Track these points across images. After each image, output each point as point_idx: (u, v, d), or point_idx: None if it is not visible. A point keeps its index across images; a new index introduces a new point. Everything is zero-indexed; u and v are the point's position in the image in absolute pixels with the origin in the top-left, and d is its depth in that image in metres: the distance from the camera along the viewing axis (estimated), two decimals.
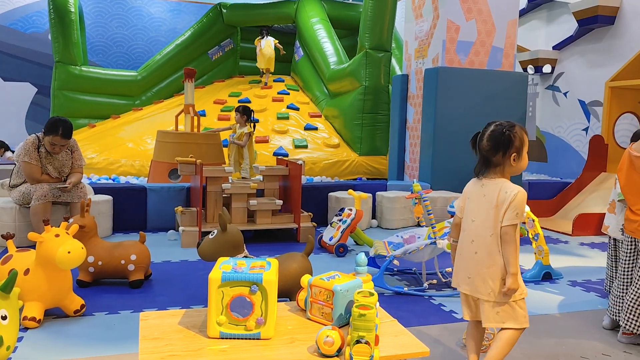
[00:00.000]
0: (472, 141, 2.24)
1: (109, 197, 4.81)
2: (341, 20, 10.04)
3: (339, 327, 1.83)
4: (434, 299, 3.26)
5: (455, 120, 5.96)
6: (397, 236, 3.79)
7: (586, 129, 7.67)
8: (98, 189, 4.96)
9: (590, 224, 5.41)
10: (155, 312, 1.99)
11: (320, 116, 8.85)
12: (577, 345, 2.60)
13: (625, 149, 6.60)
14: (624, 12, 7.11)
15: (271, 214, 4.64)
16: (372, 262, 3.68)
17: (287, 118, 8.64)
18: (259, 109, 8.67)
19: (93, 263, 3.21)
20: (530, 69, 8.39)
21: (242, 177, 5.15)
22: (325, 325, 1.83)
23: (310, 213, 4.85)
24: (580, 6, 7.38)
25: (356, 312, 1.67)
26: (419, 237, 3.71)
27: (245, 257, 2.79)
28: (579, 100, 7.81)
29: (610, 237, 3.18)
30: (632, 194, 2.70)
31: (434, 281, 3.56)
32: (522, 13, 8.58)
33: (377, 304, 2.02)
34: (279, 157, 6.30)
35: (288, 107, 8.98)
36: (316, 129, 8.42)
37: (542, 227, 5.63)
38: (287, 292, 2.72)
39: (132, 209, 5.00)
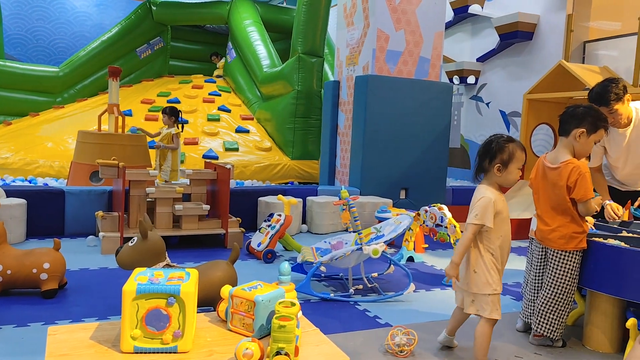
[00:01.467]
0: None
1: (22, 201, 4.52)
2: (274, 23, 10.02)
3: (260, 338, 1.82)
4: (359, 305, 3.30)
5: (384, 127, 6.10)
6: (325, 242, 3.82)
7: None
8: (11, 192, 4.66)
9: None
10: (64, 326, 1.88)
11: (252, 119, 8.77)
12: (492, 348, 2.70)
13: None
14: (541, 29, 7.55)
15: (198, 220, 4.53)
16: (300, 268, 3.68)
17: (218, 120, 8.51)
18: (189, 110, 8.48)
19: (1, 272, 3.00)
20: (456, 80, 8.72)
21: (165, 181, 4.99)
22: (247, 336, 1.81)
23: (238, 218, 4.78)
24: (501, 21, 7.77)
25: (276, 323, 1.66)
26: (346, 243, 3.75)
27: (167, 265, 2.70)
28: (500, 110, 8.20)
29: (530, 239, 3.33)
30: (543, 204, 2.85)
31: (360, 287, 3.61)
32: (449, 25, 8.91)
33: (300, 313, 2.02)
34: (208, 160, 6.18)
35: (219, 109, 8.84)
36: (248, 131, 8.34)
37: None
38: (211, 301, 2.66)
39: (48, 213, 4.73)
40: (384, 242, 3.38)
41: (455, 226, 3.94)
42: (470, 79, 8.66)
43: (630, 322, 2.50)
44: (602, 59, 7.00)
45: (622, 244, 2.70)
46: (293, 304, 1.84)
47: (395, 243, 4.99)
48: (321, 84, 7.82)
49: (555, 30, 7.31)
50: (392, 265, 3.76)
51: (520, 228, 5.72)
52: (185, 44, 11.20)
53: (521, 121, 7.00)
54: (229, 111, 8.82)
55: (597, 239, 2.78)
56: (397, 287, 3.68)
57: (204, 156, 7.37)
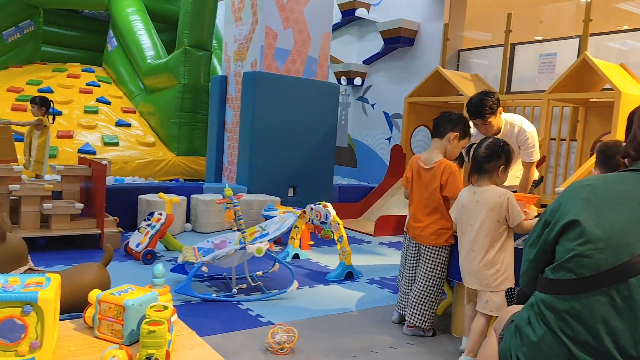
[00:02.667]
0: (466, 151, 2.70)
1: None
2: (159, 13, 9.59)
3: (130, 345, 1.72)
4: (242, 304, 3.27)
5: (272, 125, 6.10)
6: (208, 241, 3.73)
7: (389, 139, 8.44)
8: None
9: (389, 225, 5.95)
10: None
11: (134, 112, 8.33)
12: (369, 340, 2.81)
13: None
14: (421, 36, 7.99)
15: (70, 219, 4.21)
16: (181, 269, 3.56)
17: (96, 112, 7.97)
18: (63, 101, 7.86)
19: None
20: (344, 80, 8.96)
21: (36, 176, 4.59)
22: (115, 343, 1.70)
23: (116, 217, 4.52)
24: (386, 26, 8.10)
25: (145, 328, 1.58)
26: (230, 242, 3.69)
27: (30, 270, 2.47)
28: (384, 112, 8.56)
29: (405, 234, 3.50)
30: (416, 202, 3.02)
31: (244, 286, 3.57)
32: (336, 27, 9.13)
33: (175, 316, 1.94)
34: (83, 155, 5.77)
35: (98, 101, 8.29)
36: (129, 125, 7.91)
37: (349, 229, 6.06)
38: (82, 307, 2.47)
39: None
40: (269, 240, 3.38)
41: (339, 223, 4.03)
42: (357, 81, 8.94)
43: None
44: (475, 66, 7.57)
45: None
46: (165, 308, 1.77)
47: (282, 240, 5.01)
48: (208, 78, 7.63)
49: (434, 38, 7.77)
50: (276, 264, 3.77)
51: (400, 224, 6.02)
52: (60, 29, 10.34)
53: (402, 122, 7.36)
54: (108, 103, 8.31)
55: None
56: (282, 285, 3.69)
57: (80, 151, 6.87)
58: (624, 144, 1.55)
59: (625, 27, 6.64)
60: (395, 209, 6.59)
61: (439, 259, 2.90)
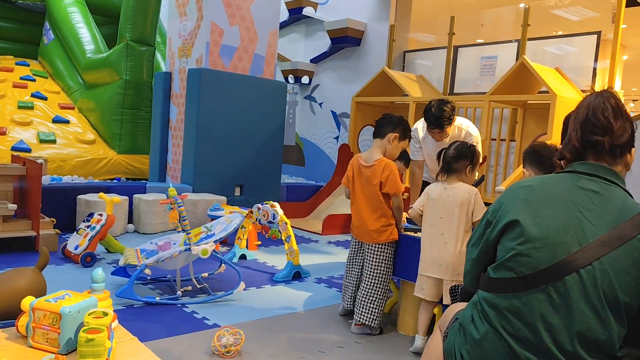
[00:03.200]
0: (438, 154, 2.79)
1: None
2: (99, 5, 9.22)
3: (67, 354, 1.64)
4: (187, 307, 3.19)
5: (218, 123, 6.00)
6: (151, 243, 3.62)
7: (337, 137, 8.48)
8: None
9: (337, 224, 5.98)
10: None
11: (73, 108, 7.98)
12: (317, 340, 2.81)
13: None
14: (368, 36, 8.08)
15: (2, 220, 3.98)
16: (123, 271, 3.44)
17: (31, 108, 7.58)
18: None
19: None
20: (291, 79, 8.93)
21: None
22: (51, 353, 1.62)
23: (53, 219, 4.31)
24: (333, 26, 8.14)
25: (83, 337, 1.51)
26: (174, 244, 3.60)
27: None
28: (332, 111, 8.60)
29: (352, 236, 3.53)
30: (357, 200, 3.06)
31: (189, 288, 3.49)
32: (284, 25, 9.09)
33: (116, 322, 1.87)
34: (17, 153, 5.49)
35: (33, 96, 7.88)
36: (68, 122, 7.57)
37: (297, 228, 6.05)
38: (14, 314, 2.34)
39: None
40: (215, 241, 3.31)
41: (286, 223, 4.01)
42: (305, 79, 8.94)
43: (437, 308, 2.79)
44: (419, 67, 7.73)
45: None
46: (105, 314, 1.70)
47: (228, 241, 4.94)
48: (152, 74, 7.41)
49: (380, 39, 7.87)
50: (222, 265, 3.70)
51: (348, 223, 6.06)
52: None
53: (350, 122, 7.42)
54: (45, 99, 7.92)
55: (408, 233, 3.05)
56: (228, 286, 3.64)
57: (13, 148, 6.51)
58: (559, 146, 1.62)
59: (559, 33, 6.97)
60: (343, 208, 6.63)
61: (383, 256, 2.94)
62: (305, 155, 9.17)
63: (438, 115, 3.39)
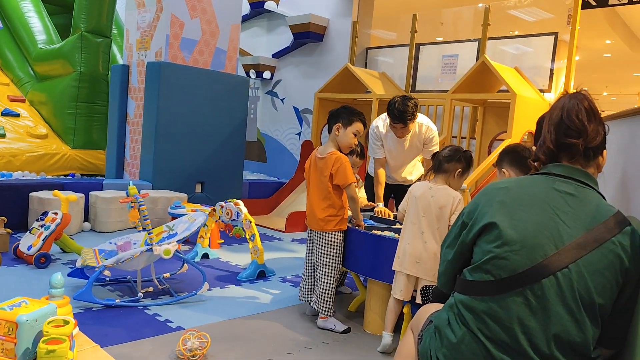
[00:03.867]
0: (433, 155, 2.84)
1: None
2: None
3: None
4: (149, 309, 3.09)
5: (178, 118, 5.85)
6: (110, 243, 3.49)
7: (299, 134, 8.43)
8: None
9: (300, 221, 5.94)
10: None
11: (23, 101, 7.63)
12: (284, 341, 2.77)
13: None
14: (331, 32, 8.05)
15: None
16: (80, 273, 3.30)
17: None
18: None
19: None
20: (252, 74, 8.81)
21: None
22: None
23: (3, 217, 4.10)
24: (295, 21, 8.07)
25: (43, 348, 1.42)
26: (134, 243, 3.48)
27: None
28: (294, 107, 8.54)
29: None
30: (312, 191, 3.11)
31: (150, 289, 3.38)
32: (245, 19, 8.95)
33: (76, 330, 1.78)
34: None
35: None
36: (18, 115, 7.23)
37: (260, 225, 5.98)
38: None
39: None
40: (177, 241, 3.22)
41: (250, 221, 3.94)
42: (266, 74, 8.83)
43: (406, 307, 2.79)
44: (381, 64, 7.75)
45: (396, 235, 2.98)
46: (66, 322, 1.61)
47: (190, 240, 4.82)
48: (108, 66, 7.16)
49: (342, 35, 7.86)
50: (185, 264, 3.61)
51: (298, 219, 6.02)
52: None
53: (312, 118, 7.38)
54: None
55: (375, 232, 3.04)
56: (191, 286, 3.55)
57: None
58: (533, 147, 1.62)
59: (517, 33, 7.12)
60: (305, 205, 6.58)
61: (331, 244, 3.00)
62: (266, 151, 9.08)
63: (402, 110, 3.43)
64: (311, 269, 3.13)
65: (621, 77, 15.92)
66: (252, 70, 8.83)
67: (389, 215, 3.63)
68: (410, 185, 4.08)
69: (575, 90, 1.57)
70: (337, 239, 3.01)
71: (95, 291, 3.18)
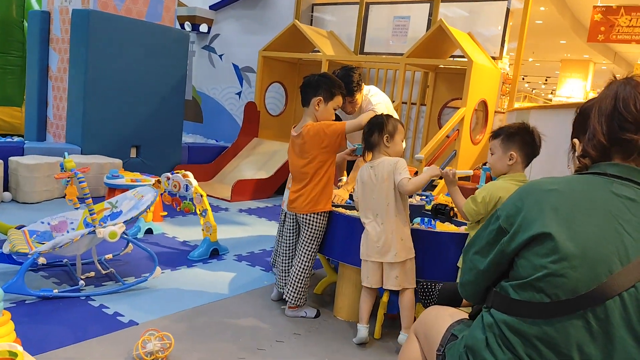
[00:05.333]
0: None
1: None
2: None
3: None
4: (94, 300, 2.72)
5: (110, 75, 5.26)
6: (43, 222, 3.03)
7: (239, 93, 7.97)
8: None
9: (247, 190, 5.62)
10: None
11: None
12: (253, 335, 2.52)
13: (273, 115, 7.12)
14: None
15: None
16: (8, 258, 2.86)
17: None
18: None
19: None
20: (188, 26, 8.15)
21: None
22: None
23: None
24: None
25: None
26: (71, 223, 3.06)
27: None
28: (233, 64, 8.02)
29: (282, 211, 3.23)
30: (292, 173, 2.83)
31: (92, 274, 3.00)
32: None
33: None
34: None
35: None
36: None
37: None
38: None
39: None
40: (124, 222, 2.83)
41: (202, 195, 3.60)
42: (203, 27, 8.21)
43: (385, 296, 2.61)
44: (328, 23, 7.39)
45: None
46: (13, 354, 1.26)
47: None
48: (23, 12, 6.33)
49: None
50: (130, 244, 3.23)
51: (258, 188, 5.73)
52: None
53: (256, 78, 6.95)
54: None
55: (340, 210, 2.82)
56: (138, 269, 3.19)
57: None
58: (576, 143, 1.42)
59: None
60: (250, 171, 6.25)
61: (317, 228, 2.72)
62: (203, 111, 8.55)
63: (346, 82, 3.12)
64: (289, 258, 2.83)
65: (548, 44, 16.50)
66: (187, 23, 8.17)
67: (342, 200, 3.38)
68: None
69: (628, 76, 1.37)
70: (324, 220, 2.73)
71: (27, 279, 2.75)
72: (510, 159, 2.28)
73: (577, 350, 1.15)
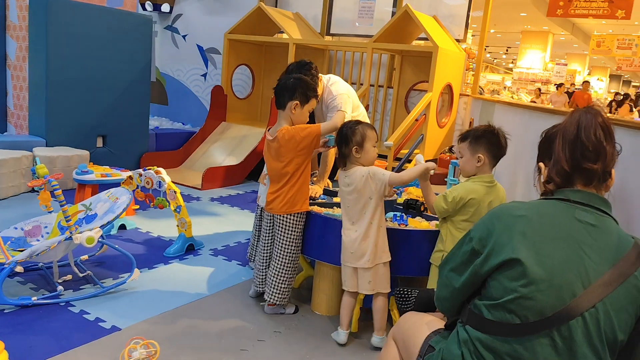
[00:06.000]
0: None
1: None
2: None
3: None
4: (74, 305, 2.74)
5: (72, 63, 5.13)
6: (16, 228, 3.01)
7: (205, 75, 7.86)
8: None
9: (217, 177, 5.62)
10: None
11: None
12: (235, 335, 2.60)
13: (240, 99, 7.08)
14: None
15: None
16: None
17: None
18: None
19: None
20: (149, 6, 7.93)
21: None
22: None
23: None
24: None
25: None
26: (45, 227, 3.05)
27: None
28: (198, 45, 7.88)
29: (257, 207, 3.28)
30: (270, 175, 2.84)
31: (69, 277, 3.01)
32: None
33: None
34: None
35: None
36: None
37: (173, 182, 5.56)
38: None
39: None
40: (101, 226, 2.84)
41: (175, 192, 3.61)
42: (165, 7, 7.99)
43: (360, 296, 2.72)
44: (293, 4, 7.31)
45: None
46: None
47: None
48: None
49: None
50: (104, 245, 3.23)
51: (229, 175, 5.74)
52: None
53: (222, 61, 6.87)
54: None
55: (315, 209, 2.88)
56: (114, 269, 3.21)
57: None
58: (544, 166, 1.52)
59: None
60: (219, 157, 6.24)
61: (294, 229, 2.76)
62: (167, 93, 8.40)
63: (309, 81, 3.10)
64: (267, 256, 2.88)
65: (510, 16, 16.72)
66: (148, 2, 7.94)
67: (316, 193, 3.43)
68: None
69: (589, 104, 1.48)
70: (301, 221, 2.78)
71: (3, 286, 2.73)
72: (478, 161, 2.38)
73: None
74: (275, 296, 2.79)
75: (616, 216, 1.42)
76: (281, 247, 2.77)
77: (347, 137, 2.51)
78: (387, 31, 5.64)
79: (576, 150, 1.42)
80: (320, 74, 3.31)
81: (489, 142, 2.37)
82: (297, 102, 2.70)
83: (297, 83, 2.71)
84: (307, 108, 2.75)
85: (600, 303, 1.28)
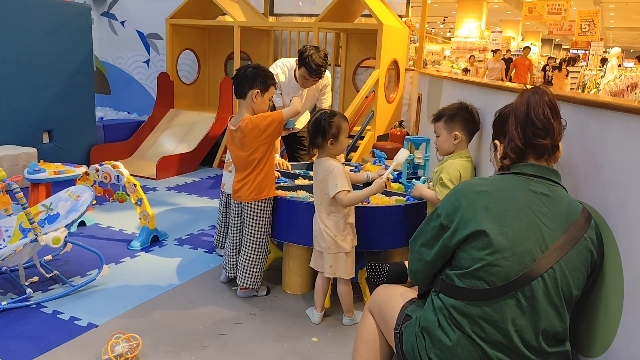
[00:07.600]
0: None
1: None
2: None
3: None
4: (46, 306, 2.73)
5: (9, 58, 4.91)
6: None
7: (147, 62, 7.67)
8: None
9: (172, 166, 5.58)
10: None
11: None
12: (211, 321, 2.67)
13: (187, 84, 6.98)
14: None
15: None
16: None
17: None
18: None
19: None
20: None
21: None
22: None
23: None
24: None
25: None
26: (6, 230, 2.99)
27: None
28: (138, 31, 7.66)
29: (222, 193, 3.33)
30: (235, 164, 2.88)
31: (36, 278, 2.98)
32: None
33: None
34: None
35: None
36: None
37: None
38: None
39: None
40: (66, 226, 2.82)
41: (135, 185, 3.59)
42: None
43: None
44: None
45: (309, 195, 2.95)
46: None
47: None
48: None
49: None
50: (68, 243, 3.20)
51: (183, 162, 5.71)
52: None
53: (166, 47, 6.74)
54: None
55: (278, 193, 2.96)
56: (80, 267, 3.20)
57: None
58: (499, 144, 1.66)
59: None
60: (170, 145, 6.18)
61: (263, 215, 2.84)
62: (110, 81, 8.15)
63: (320, 65, 3.32)
64: (237, 242, 2.95)
65: None
66: None
67: (287, 167, 3.57)
68: (298, 132, 4.06)
69: (536, 85, 1.63)
70: (269, 207, 2.85)
71: None
72: (455, 139, 2.49)
73: (512, 323, 1.43)
74: (248, 280, 2.87)
75: (565, 184, 1.59)
76: (251, 233, 2.84)
77: (324, 129, 2.50)
78: (332, 10, 5.70)
79: (527, 129, 1.57)
80: None
81: (463, 119, 2.49)
82: (258, 90, 2.74)
83: (255, 72, 2.75)
84: (267, 96, 2.81)
85: (556, 264, 1.44)
